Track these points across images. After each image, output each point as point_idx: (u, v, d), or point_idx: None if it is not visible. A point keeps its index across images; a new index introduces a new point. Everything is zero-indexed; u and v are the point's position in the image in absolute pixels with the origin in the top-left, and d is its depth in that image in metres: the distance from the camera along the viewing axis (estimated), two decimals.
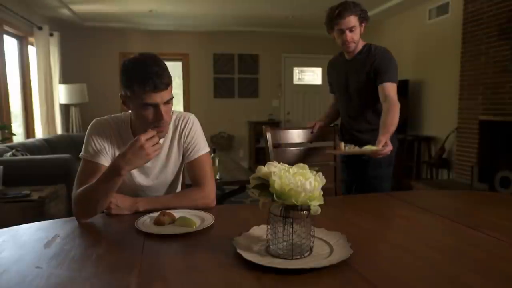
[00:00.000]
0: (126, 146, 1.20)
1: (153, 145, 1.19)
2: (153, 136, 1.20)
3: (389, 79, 1.98)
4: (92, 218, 1.25)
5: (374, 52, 2.05)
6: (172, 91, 1.32)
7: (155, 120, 1.28)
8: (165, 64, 1.29)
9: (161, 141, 1.42)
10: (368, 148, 1.72)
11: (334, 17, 1.99)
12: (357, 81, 2.10)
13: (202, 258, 0.94)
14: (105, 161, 1.36)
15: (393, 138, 1.90)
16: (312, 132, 2.15)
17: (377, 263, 0.92)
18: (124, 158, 1.17)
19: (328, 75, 2.36)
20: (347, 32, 2.00)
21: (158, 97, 1.25)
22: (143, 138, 1.17)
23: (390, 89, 1.97)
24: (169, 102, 1.30)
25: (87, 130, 1.39)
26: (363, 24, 2.05)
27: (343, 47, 2.09)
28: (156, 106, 1.26)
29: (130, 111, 1.37)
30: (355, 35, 2.02)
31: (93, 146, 1.35)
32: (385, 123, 1.87)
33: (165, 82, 1.25)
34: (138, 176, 1.43)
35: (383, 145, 1.73)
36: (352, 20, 1.98)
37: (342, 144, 1.78)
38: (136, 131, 1.39)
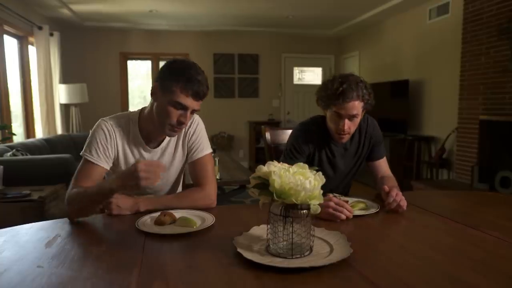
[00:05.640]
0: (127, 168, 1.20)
1: (148, 173, 1.11)
2: (154, 166, 1.14)
3: (384, 152, 1.73)
4: (90, 218, 1.27)
5: (365, 126, 1.69)
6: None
7: (177, 121, 1.31)
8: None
9: (166, 140, 1.45)
10: (361, 205, 1.37)
11: (336, 95, 1.49)
12: (349, 165, 1.74)
13: (203, 258, 0.94)
14: (106, 163, 1.36)
15: None
16: None
17: (377, 262, 0.93)
18: (117, 182, 1.17)
19: (302, 145, 1.66)
20: (346, 120, 1.53)
21: (192, 103, 1.29)
22: (140, 164, 1.11)
23: (386, 165, 1.73)
24: (193, 112, 1.34)
25: (93, 129, 1.39)
26: (363, 112, 1.60)
27: (334, 136, 1.61)
28: (184, 109, 1.30)
29: (154, 103, 1.35)
30: (353, 125, 1.57)
31: (96, 147, 1.35)
32: (393, 181, 1.61)
33: (205, 93, 1.31)
34: None
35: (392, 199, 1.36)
36: (357, 107, 1.51)
37: (331, 195, 1.33)
38: (143, 128, 1.41)
